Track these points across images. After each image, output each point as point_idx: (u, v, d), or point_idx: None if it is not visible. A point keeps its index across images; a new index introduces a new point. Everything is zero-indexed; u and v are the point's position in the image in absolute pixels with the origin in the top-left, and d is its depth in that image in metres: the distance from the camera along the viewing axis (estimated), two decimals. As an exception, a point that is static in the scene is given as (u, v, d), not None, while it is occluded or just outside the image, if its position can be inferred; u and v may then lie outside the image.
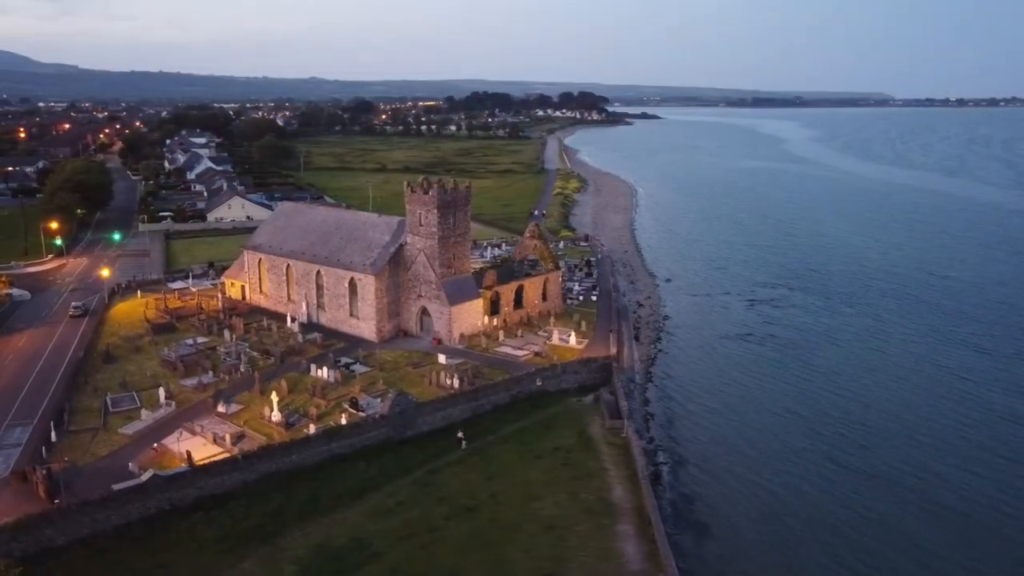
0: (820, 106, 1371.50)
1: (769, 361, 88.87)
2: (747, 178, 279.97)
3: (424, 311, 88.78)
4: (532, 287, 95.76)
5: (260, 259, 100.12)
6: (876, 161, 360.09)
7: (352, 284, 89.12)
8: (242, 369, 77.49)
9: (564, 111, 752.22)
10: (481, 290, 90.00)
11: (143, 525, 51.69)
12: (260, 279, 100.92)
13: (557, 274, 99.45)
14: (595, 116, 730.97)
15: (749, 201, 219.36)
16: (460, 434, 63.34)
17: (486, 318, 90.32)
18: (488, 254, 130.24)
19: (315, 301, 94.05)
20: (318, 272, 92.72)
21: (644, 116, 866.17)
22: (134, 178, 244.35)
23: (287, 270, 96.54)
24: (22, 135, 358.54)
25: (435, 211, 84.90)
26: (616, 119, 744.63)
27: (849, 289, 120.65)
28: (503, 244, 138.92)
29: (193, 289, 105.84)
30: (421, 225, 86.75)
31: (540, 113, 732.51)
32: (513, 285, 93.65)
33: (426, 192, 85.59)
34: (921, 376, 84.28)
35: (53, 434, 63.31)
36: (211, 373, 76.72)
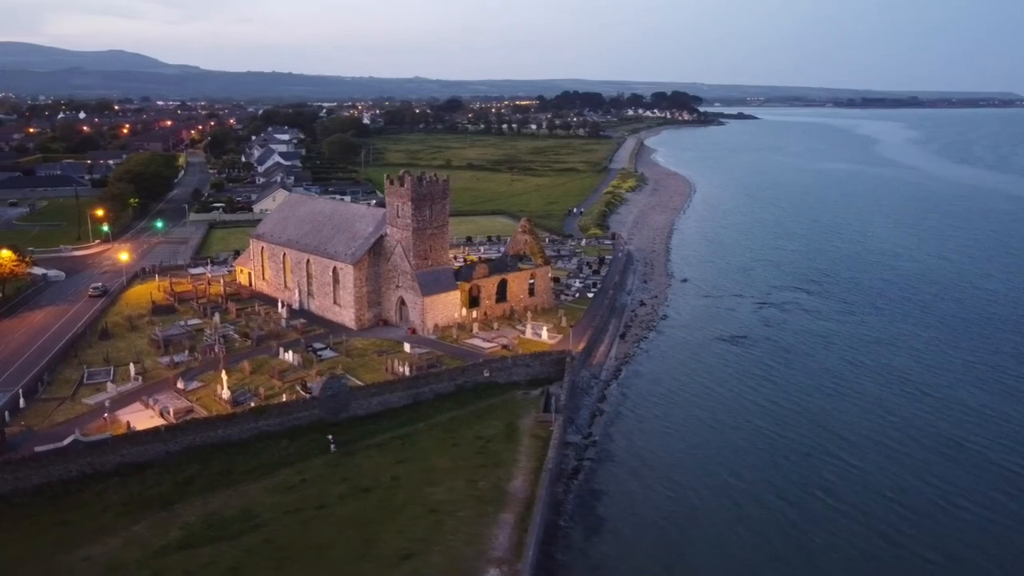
0: (938, 106, 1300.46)
1: (748, 367, 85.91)
2: (817, 180, 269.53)
3: (402, 301, 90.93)
4: (517, 281, 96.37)
5: (263, 247, 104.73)
6: (970, 164, 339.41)
7: (335, 273, 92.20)
8: (216, 350, 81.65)
9: (655, 111, 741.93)
10: (460, 282, 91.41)
11: (62, 486, 55.80)
12: (263, 266, 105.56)
13: (545, 269, 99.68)
14: (685, 116, 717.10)
15: (805, 204, 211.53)
16: (330, 436, 62.52)
17: (464, 310, 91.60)
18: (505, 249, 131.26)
19: (306, 289, 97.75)
20: (308, 261, 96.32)
21: (740, 116, 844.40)
22: (211, 171, 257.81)
23: (284, 258, 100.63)
24: (125, 131, 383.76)
25: (409, 203, 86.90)
26: (708, 119, 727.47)
27: (866, 297, 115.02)
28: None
29: (208, 275, 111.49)
30: (398, 217, 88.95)
31: (630, 112, 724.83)
32: (495, 279, 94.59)
33: (402, 184, 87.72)
34: (898, 396, 78.36)
35: (21, 401, 68.87)
36: (187, 352, 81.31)
